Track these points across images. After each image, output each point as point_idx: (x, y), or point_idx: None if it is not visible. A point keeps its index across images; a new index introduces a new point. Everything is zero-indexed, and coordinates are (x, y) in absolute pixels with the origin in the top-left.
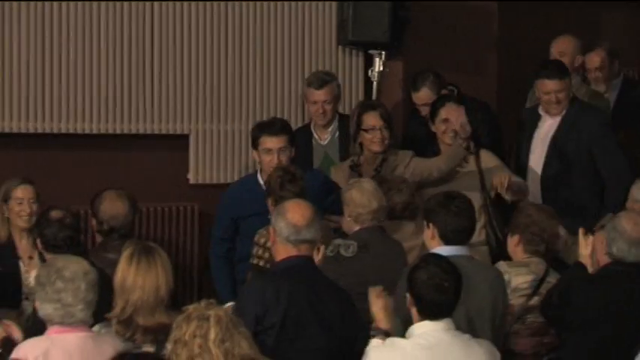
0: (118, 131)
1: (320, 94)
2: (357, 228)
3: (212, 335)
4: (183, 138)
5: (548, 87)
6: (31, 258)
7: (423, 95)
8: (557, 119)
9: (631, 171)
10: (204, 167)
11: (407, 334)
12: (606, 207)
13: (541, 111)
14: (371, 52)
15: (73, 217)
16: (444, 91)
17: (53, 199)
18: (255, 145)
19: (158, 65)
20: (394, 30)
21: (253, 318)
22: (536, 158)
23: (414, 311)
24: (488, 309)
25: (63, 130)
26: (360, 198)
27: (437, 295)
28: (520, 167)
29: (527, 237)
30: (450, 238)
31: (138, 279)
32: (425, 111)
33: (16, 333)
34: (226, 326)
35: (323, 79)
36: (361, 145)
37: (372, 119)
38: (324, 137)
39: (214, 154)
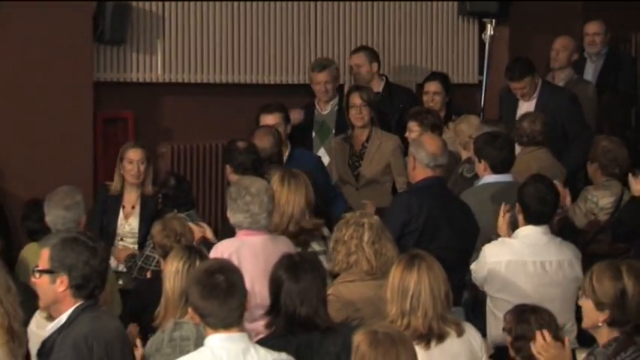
0: (272, 82)
1: (321, 76)
2: (467, 156)
3: (366, 237)
4: (341, 87)
5: (513, 86)
6: (133, 208)
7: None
8: (533, 102)
9: (589, 138)
10: None
11: (513, 236)
12: (567, 159)
13: (518, 95)
14: (484, 20)
15: (254, 145)
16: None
17: (225, 137)
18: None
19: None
20: (502, 2)
21: (401, 223)
22: None
23: (520, 218)
24: None
25: (237, 81)
26: (470, 128)
27: (540, 205)
28: None
29: (604, 163)
30: (498, 168)
31: (290, 197)
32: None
33: (210, 234)
34: (377, 231)
35: (323, 64)
36: (350, 121)
37: (354, 99)
38: (325, 109)
39: None
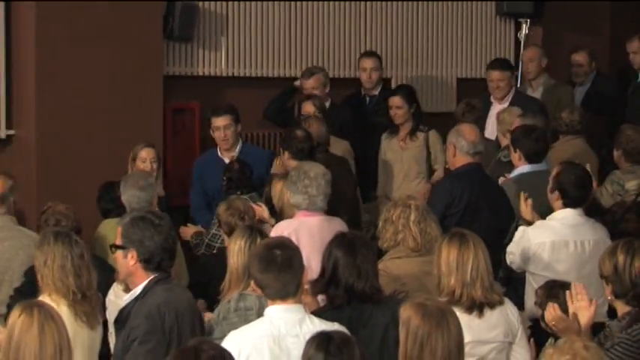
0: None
1: (309, 83)
2: (505, 142)
3: (412, 217)
4: (387, 81)
5: (492, 76)
6: None
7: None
8: (505, 105)
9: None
10: None
11: (549, 218)
12: None
13: (492, 99)
14: (519, 20)
15: (311, 133)
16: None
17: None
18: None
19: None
20: (537, 4)
21: (444, 205)
22: (489, 135)
23: (558, 202)
24: None
25: (293, 75)
26: (512, 118)
27: (579, 191)
28: None
29: (627, 150)
30: (533, 159)
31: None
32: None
33: (267, 215)
34: (422, 212)
35: (311, 71)
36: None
37: (307, 107)
38: None
39: None
